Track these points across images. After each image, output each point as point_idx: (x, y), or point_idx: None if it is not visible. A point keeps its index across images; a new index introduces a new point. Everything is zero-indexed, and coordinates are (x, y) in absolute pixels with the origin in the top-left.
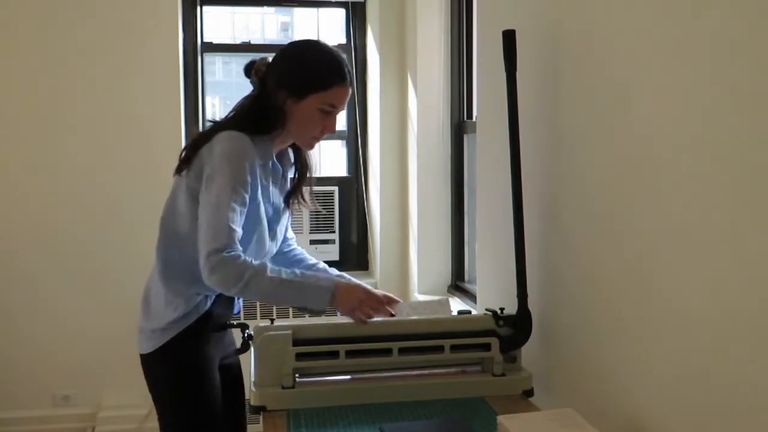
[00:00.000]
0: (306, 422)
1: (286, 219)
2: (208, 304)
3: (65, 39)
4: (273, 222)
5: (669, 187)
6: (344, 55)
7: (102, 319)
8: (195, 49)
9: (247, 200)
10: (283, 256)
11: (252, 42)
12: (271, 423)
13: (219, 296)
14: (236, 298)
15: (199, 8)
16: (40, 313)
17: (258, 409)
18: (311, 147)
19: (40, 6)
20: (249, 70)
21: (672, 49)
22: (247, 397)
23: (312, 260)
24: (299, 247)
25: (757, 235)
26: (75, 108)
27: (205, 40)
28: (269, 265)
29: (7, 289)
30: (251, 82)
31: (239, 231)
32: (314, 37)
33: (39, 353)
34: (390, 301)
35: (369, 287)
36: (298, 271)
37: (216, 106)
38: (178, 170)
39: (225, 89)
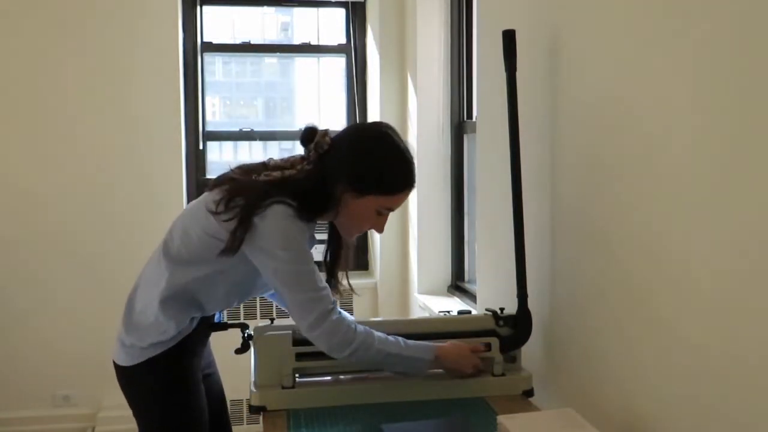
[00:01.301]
0: (306, 422)
1: None
2: (194, 324)
3: (65, 39)
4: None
5: (669, 187)
6: (413, 157)
7: (102, 319)
8: (195, 49)
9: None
10: None
11: (252, 42)
12: (271, 423)
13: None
14: (219, 312)
15: (199, 8)
16: (41, 314)
17: (258, 409)
18: (352, 238)
19: (41, 6)
20: (310, 138)
21: (672, 49)
22: (247, 397)
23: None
24: None
25: (756, 236)
26: (75, 108)
27: (205, 40)
28: (376, 335)
29: (8, 289)
30: (306, 150)
31: (327, 288)
32: (387, 129)
33: (39, 353)
34: (476, 350)
35: (460, 343)
36: (401, 341)
37: (216, 106)
38: (236, 234)
39: (225, 89)
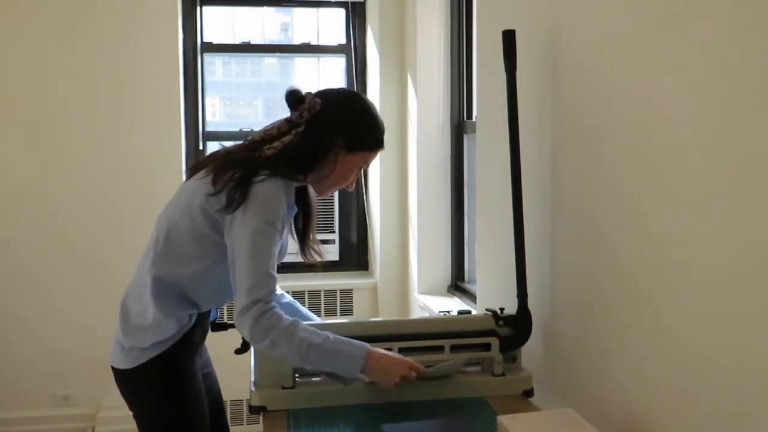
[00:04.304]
0: (306, 422)
1: None
2: (193, 320)
3: (66, 39)
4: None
5: (669, 186)
6: None
7: (102, 320)
8: (195, 49)
9: (278, 244)
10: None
11: (252, 42)
12: (271, 423)
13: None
14: (215, 309)
15: (199, 8)
16: (41, 314)
17: (258, 409)
18: (325, 195)
19: (41, 6)
20: (299, 100)
21: (672, 49)
22: (247, 397)
23: (303, 310)
24: (288, 295)
25: (758, 236)
26: (75, 108)
27: (205, 40)
28: (303, 325)
29: (8, 289)
30: (294, 114)
31: (276, 277)
32: (358, 92)
33: (39, 353)
34: (415, 369)
35: (397, 355)
36: (330, 335)
37: (216, 106)
38: (225, 212)
39: (225, 89)
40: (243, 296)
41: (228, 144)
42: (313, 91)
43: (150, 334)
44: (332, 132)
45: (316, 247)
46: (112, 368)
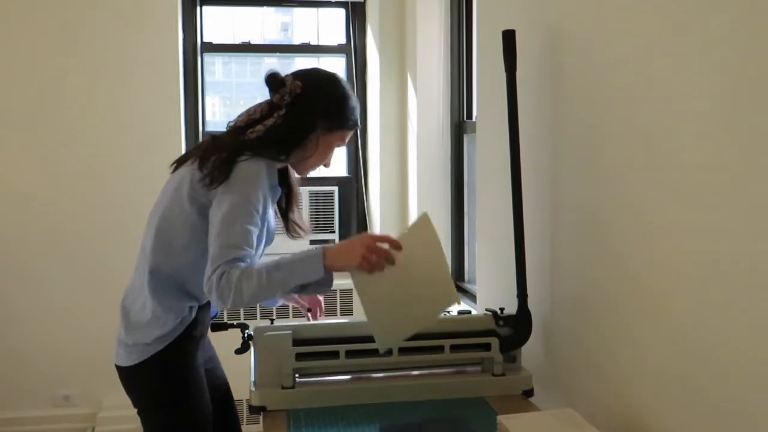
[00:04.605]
0: (306, 422)
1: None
2: (194, 314)
3: (65, 39)
4: (267, 244)
5: (669, 185)
6: None
7: (102, 319)
8: (195, 49)
9: (258, 223)
10: None
11: (252, 42)
12: (271, 423)
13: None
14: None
15: (199, 8)
16: (41, 314)
17: (258, 409)
18: (305, 174)
19: (41, 6)
20: (279, 83)
21: (672, 48)
22: (247, 397)
23: None
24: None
25: (759, 236)
26: (75, 108)
27: (205, 40)
28: (254, 261)
29: (8, 289)
30: (274, 96)
31: (249, 251)
32: (334, 73)
33: (39, 353)
34: (391, 242)
35: (366, 234)
36: (284, 256)
37: (216, 106)
38: (210, 187)
39: (225, 89)
40: (209, 265)
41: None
42: (292, 72)
43: (151, 328)
44: (313, 114)
45: (299, 222)
46: (116, 367)
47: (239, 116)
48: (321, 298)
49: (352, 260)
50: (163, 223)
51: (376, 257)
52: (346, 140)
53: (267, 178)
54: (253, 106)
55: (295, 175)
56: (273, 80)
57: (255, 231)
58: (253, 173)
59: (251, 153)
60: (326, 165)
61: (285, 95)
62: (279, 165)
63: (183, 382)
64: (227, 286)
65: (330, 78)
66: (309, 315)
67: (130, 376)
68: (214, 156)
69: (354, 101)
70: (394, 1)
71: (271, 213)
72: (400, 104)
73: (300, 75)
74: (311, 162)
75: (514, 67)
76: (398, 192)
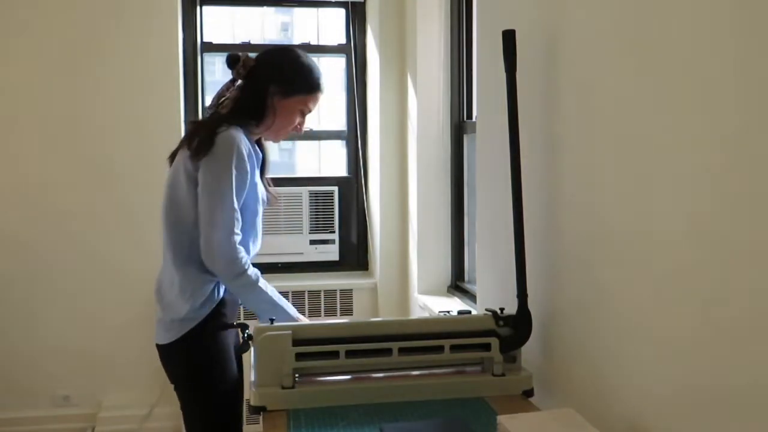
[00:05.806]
0: (306, 422)
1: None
2: (221, 292)
3: (65, 39)
4: (261, 207)
5: (669, 186)
6: None
7: (102, 320)
8: (195, 49)
9: (247, 184)
10: None
11: (252, 42)
12: (271, 423)
13: None
14: None
15: (199, 8)
16: (41, 314)
17: (258, 409)
18: (279, 141)
19: (41, 6)
20: (235, 62)
21: (673, 48)
22: (246, 396)
23: None
24: None
25: (761, 237)
26: (75, 108)
27: (205, 40)
28: (260, 275)
29: (8, 289)
30: (234, 73)
31: (240, 219)
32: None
33: (39, 353)
34: None
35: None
36: (276, 292)
37: None
38: (197, 158)
39: None
40: (213, 231)
41: None
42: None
43: (181, 301)
44: (265, 80)
45: (270, 189)
46: (157, 346)
47: (212, 100)
48: None
49: None
50: (173, 206)
51: None
52: (311, 106)
53: (246, 140)
54: (220, 88)
55: (267, 144)
56: (231, 59)
57: (239, 193)
58: (233, 139)
59: (228, 124)
60: (297, 130)
61: (240, 69)
62: (254, 136)
63: (217, 358)
64: (254, 275)
65: (284, 49)
66: None
67: (168, 353)
68: (199, 134)
69: (308, 68)
70: (394, 1)
71: (255, 175)
72: (400, 104)
73: (259, 53)
74: (277, 128)
75: (514, 67)
76: (398, 192)
